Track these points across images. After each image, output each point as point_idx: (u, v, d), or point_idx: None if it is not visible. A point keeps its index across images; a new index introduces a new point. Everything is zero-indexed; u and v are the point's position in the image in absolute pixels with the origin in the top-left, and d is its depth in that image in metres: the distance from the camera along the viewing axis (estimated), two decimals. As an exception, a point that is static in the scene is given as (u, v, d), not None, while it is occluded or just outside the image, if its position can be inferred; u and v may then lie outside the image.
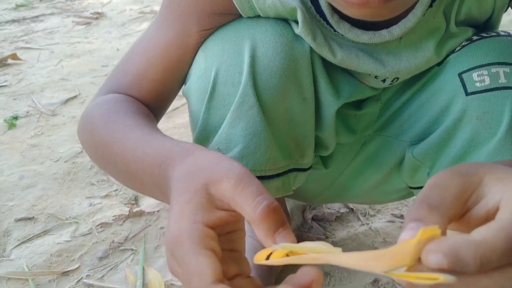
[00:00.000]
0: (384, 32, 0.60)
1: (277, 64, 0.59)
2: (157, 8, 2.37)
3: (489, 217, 0.36)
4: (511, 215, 0.34)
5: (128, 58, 0.69)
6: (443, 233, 0.36)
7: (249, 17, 0.62)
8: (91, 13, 2.34)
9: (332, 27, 0.61)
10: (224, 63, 0.60)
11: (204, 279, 0.40)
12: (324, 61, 0.63)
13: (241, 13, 0.62)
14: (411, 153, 0.69)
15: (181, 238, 0.43)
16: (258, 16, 0.62)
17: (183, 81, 0.67)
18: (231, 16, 0.63)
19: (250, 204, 0.41)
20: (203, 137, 0.64)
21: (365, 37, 0.61)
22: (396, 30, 0.60)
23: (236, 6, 0.61)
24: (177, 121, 1.42)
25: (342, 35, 0.62)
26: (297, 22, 0.61)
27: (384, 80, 0.66)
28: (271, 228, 0.41)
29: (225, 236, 0.46)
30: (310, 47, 0.61)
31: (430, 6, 0.60)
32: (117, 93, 0.66)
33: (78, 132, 0.69)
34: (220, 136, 0.61)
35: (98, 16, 2.31)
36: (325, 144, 0.71)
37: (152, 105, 0.67)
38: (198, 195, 0.44)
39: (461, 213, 0.38)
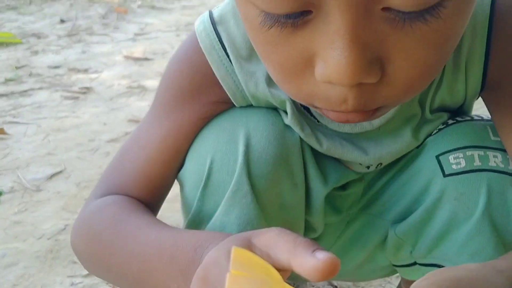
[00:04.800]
0: (364, 123, 0.64)
1: (270, 153, 0.62)
2: (144, 83, 2.42)
3: None
4: None
5: (123, 156, 0.69)
6: None
7: (242, 107, 0.65)
8: (79, 88, 2.38)
9: (316, 118, 0.64)
10: (219, 152, 0.62)
11: None
12: (312, 149, 0.66)
13: (234, 103, 0.64)
14: (394, 232, 0.71)
15: (218, 260, 0.44)
16: (251, 105, 0.65)
17: (179, 170, 0.68)
18: (225, 105, 0.65)
19: (305, 254, 0.42)
20: (196, 223, 0.65)
21: (347, 128, 0.65)
22: (376, 121, 0.64)
23: (230, 96, 0.64)
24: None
25: (325, 125, 0.64)
26: (286, 112, 0.64)
27: (368, 167, 0.69)
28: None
29: None
30: (299, 136, 0.64)
31: None
32: (115, 195, 0.66)
33: (72, 240, 0.67)
34: (214, 223, 0.62)
35: (86, 90, 2.35)
36: (314, 227, 0.72)
37: (151, 201, 0.67)
38: (238, 240, 0.45)
39: None
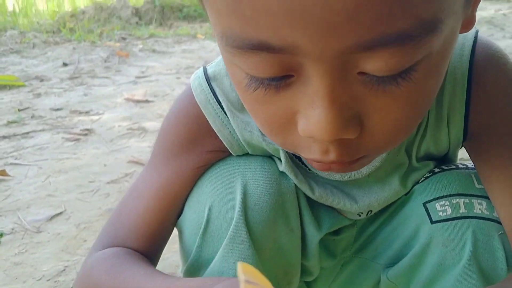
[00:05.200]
0: (353, 171, 0.66)
1: (267, 200, 0.65)
2: (144, 124, 2.46)
3: None
4: None
5: (122, 208, 0.70)
6: None
7: (238, 155, 0.68)
8: (80, 130, 2.42)
9: (307, 166, 0.67)
10: (218, 200, 0.65)
11: None
12: (306, 196, 0.69)
13: (231, 152, 0.68)
14: (386, 276, 0.73)
15: None
16: (247, 154, 0.68)
17: (177, 218, 0.70)
18: (222, 154, 0.68)
19: None
20: (194, 268, 0.67)
21: (337, 176, 0.68)
22: (364, 169, 0.67)
23: (226, 146, 0.67)
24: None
25: (316, 173, 0.67)
26: (280, 160, 0.67)
27: (359, 214, 0.72)
28: None
29: None
30: (294, 183, 0.67)
31: None
32: (115, 247, 0.67)
33: None
34: (212, 269, 0.65)
35: (88, 132, 2.39)
36: (309, 271, 0.74)
37: (150, 250, 0.69)
38: None
39: None
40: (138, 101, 2.85)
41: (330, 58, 0.40)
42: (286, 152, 0.66)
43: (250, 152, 0.68)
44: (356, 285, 0.81)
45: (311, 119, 0.44)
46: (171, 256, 1.32)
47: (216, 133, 0.66)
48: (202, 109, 0.65)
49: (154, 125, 2.46)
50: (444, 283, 0.66)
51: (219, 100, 0.65)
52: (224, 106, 0.65)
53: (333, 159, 0.49)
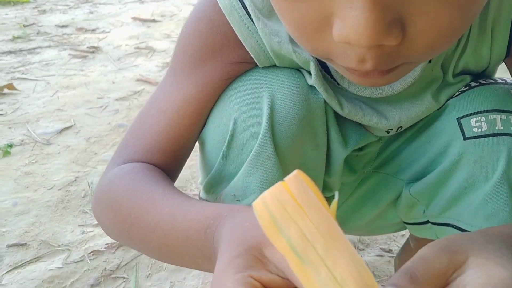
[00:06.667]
0: (385, 87, 0.64)
1: (295, 115, 0.61)
2: (152, 44, 2.42)
3: None
4: None
5: (142, 122, 0.67)
6: None
7: (265, 67, 0.64)
8: (87, 47, 2.37)
9: (336, 81, 0.64)
10: (243, 113, 0.61)
11: None
12: (335, 112, 0.66)
13: (257, 63, 0.64)
14: (408, 191, 0.72)
15: (222, 283, 0.39)
16: (274, 66, 0.64)
17: (200, 133, 0.67)
18: (248, 65, 0.64)
19: None
20: (216, 181, 0.65)
21: (367, 92, 0.64)
22: (397, 86, 0.64)
23: (253, 57, 0.63)
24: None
25: (345, 88, 0.65)
26: (309, 73, 0.63)
27: (388, 132, 0.69)
28: None
29: None
30: (323, 98, 0.64)
31: (429, 61, 0.64)
32: (134, 162, 0.64)
33: (93, 207, 0.66)
34: (236, 183, 0.62)
35: (94, 50, 2.35)
36: (330, 187, 0.73)
37: (171, 166, 0.66)
38: (249, 253, 0.42)
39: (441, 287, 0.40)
40: (145, 21, 2.78)
41: None
42: (317, 64, 0.63)
43: (277, 64, 0.64)
44: (374, 199, 0.80)
45: (348, 21, 0.40)
46: (183, 171, 1.31)
47: (241, 43, 0.62)
48: (226, 16, 0.61)
49: (162, 44, 2.42)
50: (470, 200, 0.64)
51: (245, 5, 0.60)
52: (250, 12, 0.60)
53: (370, 68, 0.45)
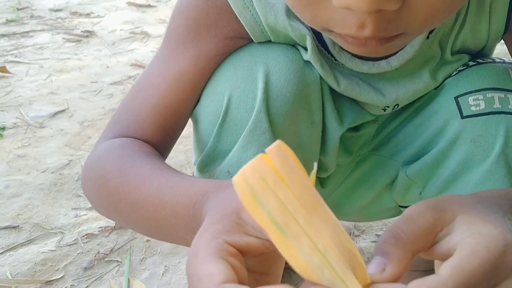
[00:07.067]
0: (382, 63, 0.63)
1: (290, 90, 0.60)
2: (147, 29, 2.39)
3: (449, 254, 0.38)
4: (460, 260, 0.36)
5: (134, 96, 0.65)
6: (406, 267, 0.37)
7: (260, 42, 0.63)
8: (81, 31, 2.35)
9: (333, 57, 0.63)
10: (238, 89, 0.60)
11: (212, 280, 0.36)
12: (330, 88, 0.65)
13: (252, 38, 0.63)
14: (405, 173, 0.71)
15: (197, 251, 0.39)
16: (269, 41, 0.63)
17: (193, 108, 0.66)
18: (243, 41, 0.63)
19: None
20: (210, 159, 0.64)
21: (365, 67, 0.63)
22: (394, 61, 0.63)
23: (248, 31, 0.62)
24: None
25: (342, 64, 0.63)
26: (305, 49, 0.62)
27: (384, 109, 0.68)
28: None
29: (258, 257, 0.43)
30: (319, 73, 0.63)
31: (427, 37, 0.63)
32: (125, 136, 0.63)
33: (82, 182, 0.65)
34: (231, 159, 0.62)
35: (89, 34, 2.32)
36: (325, 167, 0.72)
37: (163, 142, 0.65)
38: (227, 218, 0.41)
39: (429, 246, 0.39)
40: (140, 6, 2.76)
41: None
42: (314, 38, 0.62)
43: (273, 40, 0.63)
44: (370, 182, 0.80)
45: None
46: (176, 155, 1.30)
47: (237, 17, 0.61)
48: None
49: (157, 30, 2.39)
50: (467, 180, 0.64)
51: None
52: None
53: (369, 34, 0.45)
